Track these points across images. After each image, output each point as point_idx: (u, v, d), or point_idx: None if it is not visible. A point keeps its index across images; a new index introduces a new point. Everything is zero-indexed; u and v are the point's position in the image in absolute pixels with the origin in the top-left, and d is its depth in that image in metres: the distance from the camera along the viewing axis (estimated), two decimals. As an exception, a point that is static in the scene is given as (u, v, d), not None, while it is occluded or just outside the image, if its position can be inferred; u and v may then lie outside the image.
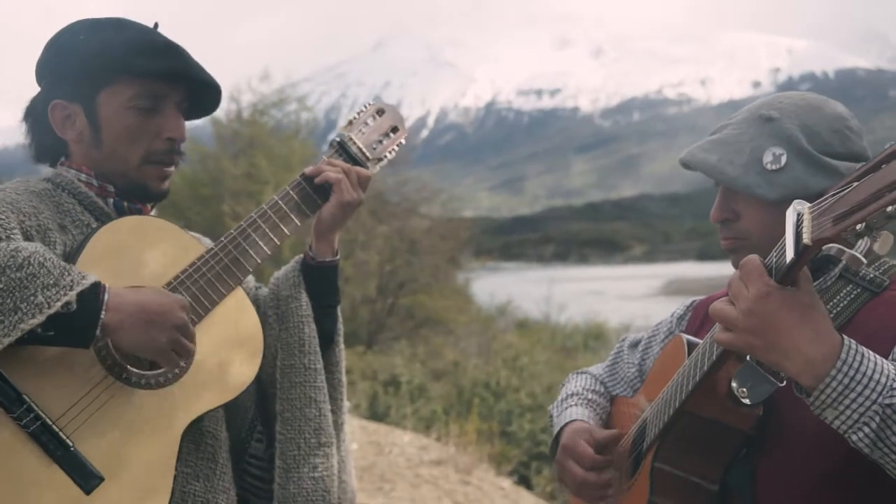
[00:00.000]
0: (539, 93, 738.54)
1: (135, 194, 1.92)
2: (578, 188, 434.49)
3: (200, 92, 1.95)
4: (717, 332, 1.43)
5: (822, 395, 1.33)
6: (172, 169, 1.94)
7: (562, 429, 1.98)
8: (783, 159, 1.61)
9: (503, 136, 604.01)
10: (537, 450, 9.71)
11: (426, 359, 15.36)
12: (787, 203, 1.35)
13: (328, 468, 2.01)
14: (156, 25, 1.94)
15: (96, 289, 1.61)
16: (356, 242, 17.79)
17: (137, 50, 1.84)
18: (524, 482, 8.96)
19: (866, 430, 1.31)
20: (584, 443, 1.87)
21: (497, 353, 16.25)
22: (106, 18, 1.92)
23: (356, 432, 8.03)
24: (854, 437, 1.33)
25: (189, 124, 2.00)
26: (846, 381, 1.32)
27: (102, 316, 1.60)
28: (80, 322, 1.58)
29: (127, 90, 1.85)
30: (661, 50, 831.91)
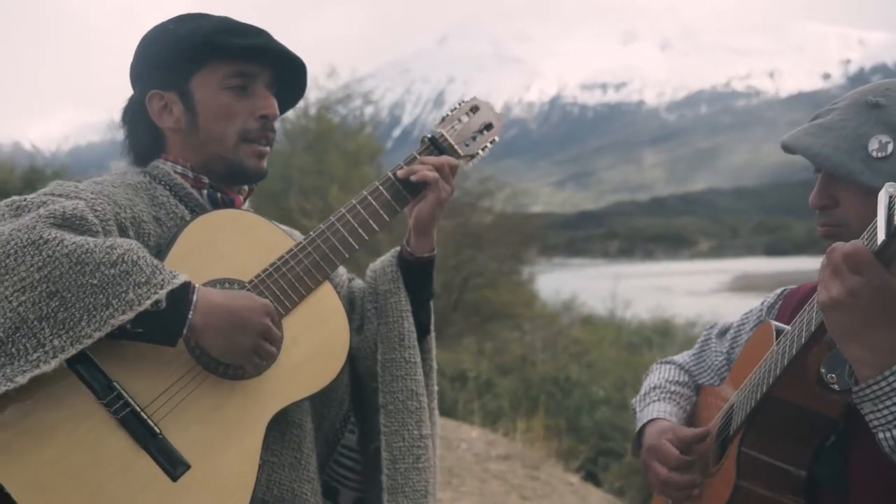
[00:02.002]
0: (604, 87, 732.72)
1: (234, 176, 1.95)
2: (645, 183, 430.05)
3: (287, 72, 1.99)
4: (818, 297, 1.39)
5: (873, 386, 1.31)
6: (268, 149, 1.97)
7: (644, 427, 1.98)
8: (889, 147, 1.58)
9: (567, 131, 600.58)
10: (605, 445, 9.66)
11: (493, 354, 15.34)
12: None
13: (429, 459, 2.03)
14: None
15: (186, 289, 1.64)
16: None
17: (225, 30, 1.89)
18: (591, 478, 8.91)
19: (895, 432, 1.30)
20: (668, 443, 1.86)
21: (564, 349, 16.20)
22: (189, 13, 1.98)
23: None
24: (880, 436, 1.32)
25: None
26: None
27: (190, 316, 1.64)
28: (168, 321, 1.62)
29: (218, 72, 1.89)
30: (728, 42, 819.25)
